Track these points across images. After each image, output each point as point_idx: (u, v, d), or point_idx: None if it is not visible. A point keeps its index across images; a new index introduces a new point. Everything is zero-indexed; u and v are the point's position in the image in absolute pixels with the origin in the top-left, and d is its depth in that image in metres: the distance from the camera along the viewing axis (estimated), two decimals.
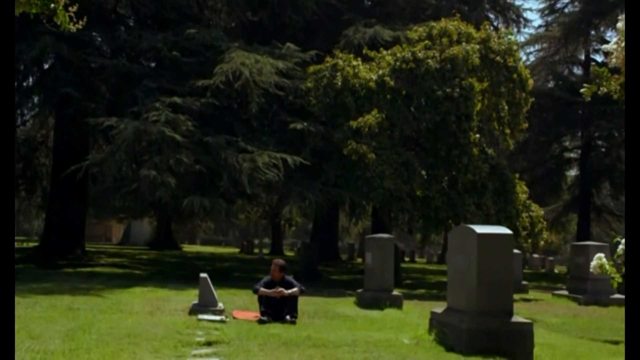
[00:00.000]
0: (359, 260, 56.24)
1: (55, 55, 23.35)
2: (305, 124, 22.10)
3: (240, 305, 14.42)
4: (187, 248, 65.27)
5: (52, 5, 5.69)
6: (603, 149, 42.89)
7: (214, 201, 20.05)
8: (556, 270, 49.67)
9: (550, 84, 44.40)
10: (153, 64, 25.93)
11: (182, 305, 13.88)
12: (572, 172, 50.07)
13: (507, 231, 9.69)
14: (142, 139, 19.89)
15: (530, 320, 9.47)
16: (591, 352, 10.48)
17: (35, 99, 27.75)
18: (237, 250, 71.44)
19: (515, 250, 24.97)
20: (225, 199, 20.75)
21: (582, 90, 8.35)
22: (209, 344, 9.43)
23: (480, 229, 9.50)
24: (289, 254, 69.24)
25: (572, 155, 46.69)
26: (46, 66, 26.34)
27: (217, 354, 8.77)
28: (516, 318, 9.35)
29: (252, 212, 40.56)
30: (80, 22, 6.03)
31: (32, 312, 11.96)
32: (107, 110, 22.95)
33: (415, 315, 14.32)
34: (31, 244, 40.97)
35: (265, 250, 58.92)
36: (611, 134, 39.99)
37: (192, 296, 16.03)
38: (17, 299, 13.34)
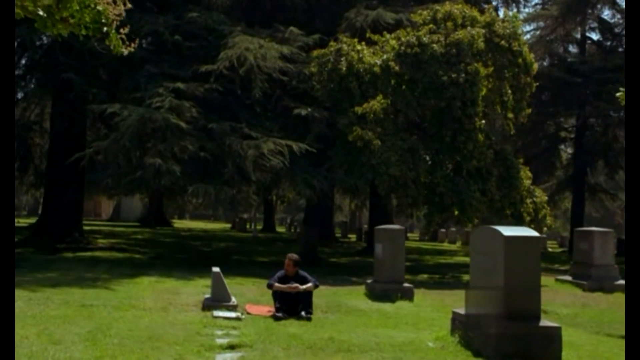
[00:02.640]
0: (352, 237, 56.41)
1: (54, 39, 22.95)
2: (309, 109, 21.90)
3: (250, 298, 14.33)
4: (178, 224, 65.16)
5: (105, 28, 5.51)
6: (598, 128, 42.79)
7: (219, 188, 19.90)
8: (549, 249, 49.78)
9: (546, 62, 44.17)
10: (153, 48, 25.48)
11: (193, 299, 13.79)
12: (568, 151, 50.08)
13: (535, 233, 9.56)
14: (146, 126, 19.65)
15: (558, 325, 9.37)
16: (613, 352, 10.40)
17: (30, 80, 27.40)
18: (227, 225, 71.34)
19: None
20: (230, 186, 20.58)
21: (617, 94, 8.21)
22: (231, 347, 9.31)
23: (507, 231, 9.36)
24: (280, 229, 69.32)
25: (567, 134, 46.60)
26: (39, 43, 25.83)
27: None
28: (544, 322, 9.26)
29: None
30: (133, 45, 5.85)
31: (46, 309, 11.80)
32: (109, 95, 22.68)
33: (428, 309, 14.29)
34: (21, 220, 40.82)
35: (258, 226, 58.78)
36: (608, 114, 39.90)
37: (199, 287, 16.01)
38: (27, 294, 13.30)
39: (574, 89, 38.91)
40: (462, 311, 10.21)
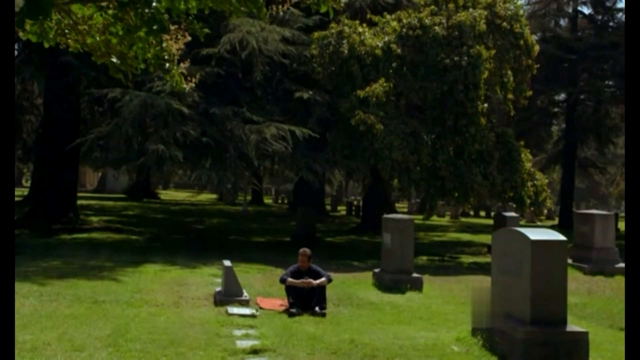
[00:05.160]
0: (342, 211, 56.31)
1: None
2: (310, 92, 21.70)
3: (260, 290, 14.28)
4: (164, 195, 64.68)
5: (167, 64, 5.34)
6: (590, 103, 42.75)
7: (221, 174, 19.74)
8: (538, 223, 49.91)
9: (536, 37, 44.00)
10: None
11: (203, 292, 13.76)
12: (554, 123, 50.16)
13: (562, 237, 9.46)
14: (148, 111, 19.39)
15: (585, 330, 9.32)
16: None
17: (24, 60, 27.00)
18: (213, 196, 70.75)
19: (513, 214, 25.04)
20: (232, 171, 20.40)
21: None
22: (255, 352, 9.22)
23: (533, 234, 9.26)
24: (267, 200, 69.21)
25: (558, 110, 46.57)
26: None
27: None
28: (571, 327, 9.21)
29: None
30: (194, 80, 5.69)
31: (59, 307, 11.67)
32: (108, 79, 22.34)
33: (438, 300, 14.27)
34: None
35: (247, 197, 58.42)
36: (602, 90, 39.88)
37: (206, 276, 15.99)
38: (37, 288, 13.22)
39: (567, 65, 38.83)
40: (484, 306, 10.15)
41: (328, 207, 54.38)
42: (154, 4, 4.41)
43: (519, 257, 9.33)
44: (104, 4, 4.56)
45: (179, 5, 4.96)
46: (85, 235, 24.19)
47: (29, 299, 12.19)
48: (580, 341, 9.03)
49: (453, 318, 12.26)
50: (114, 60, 4.94)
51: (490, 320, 9.82)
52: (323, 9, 5.46)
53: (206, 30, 5.51)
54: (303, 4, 6.63)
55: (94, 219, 29.70)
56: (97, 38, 4.72)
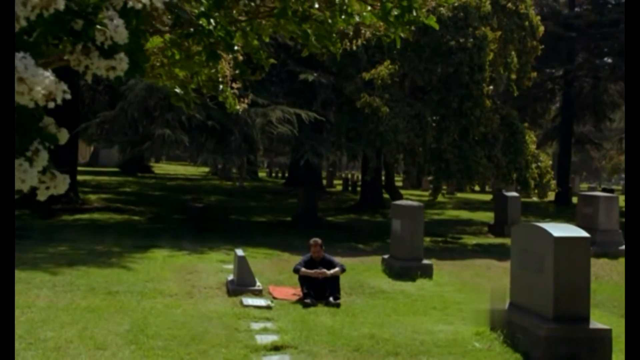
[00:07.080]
0: (338, 186, 56.28)
1: None
2: (315, 74, 21.55)
3: (271, 278, 14.27)
4: (157, 169, 64.37)
5: (221, 86, 5.25)
6: (587, 79, 42.71)
7: (227, 158, 19.66)
8: (534, 199, 49.92)
9: (534, 12, 43.74)
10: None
11: (214, 280, 13.77)
12: (556, 103, 50.11)
13: (585, 234, 9.44)
14: (153, 94, 19.23)
15: (608, 327, 9.31)
16: None
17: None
18: (206, 169, 70.44)
19: (514, 193, 25.07)
20: (237, 155, 20.32)
21: None
22: (276, 348, 9.20)
23: (556, 231, 9.22)
24: (261, 174, 69.12)
25: (555, 86, 46.46)
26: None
27: None
28: (594, 324, 9.20)
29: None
30: (245, 101, 5.61)
31: (75, 299, 11.56)
32: None
33: (449, 288, 14.29)
34: None
35: (243, 173, 58.11)
36: (603, 66, 39.87)
37: (214, 262, 16.00)
38: (50, 278, 13.12)
39: (566, 42, 38.73)
40: (502, 307, 10.15)
41: (324, 182, 54.27)
42: (235, 47, 4.32)
43: (540, 254, 9.31)
44: (166, 35, 4.46)
45: (253, 41, 4.87)
46: (86, 216, 24.12)
47: (43, 289, 12.09)
48: (604, 338, 9.03)
49: (467, 308, 12.26)
50: (178, 90, 4.86)
51: (508, 316, 9.83)
52: (398, 43, 5.37)
53: (272, 60, 5.41)
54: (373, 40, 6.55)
55: (93, 197, 29.64)
56: (151, 60, 4.64)
